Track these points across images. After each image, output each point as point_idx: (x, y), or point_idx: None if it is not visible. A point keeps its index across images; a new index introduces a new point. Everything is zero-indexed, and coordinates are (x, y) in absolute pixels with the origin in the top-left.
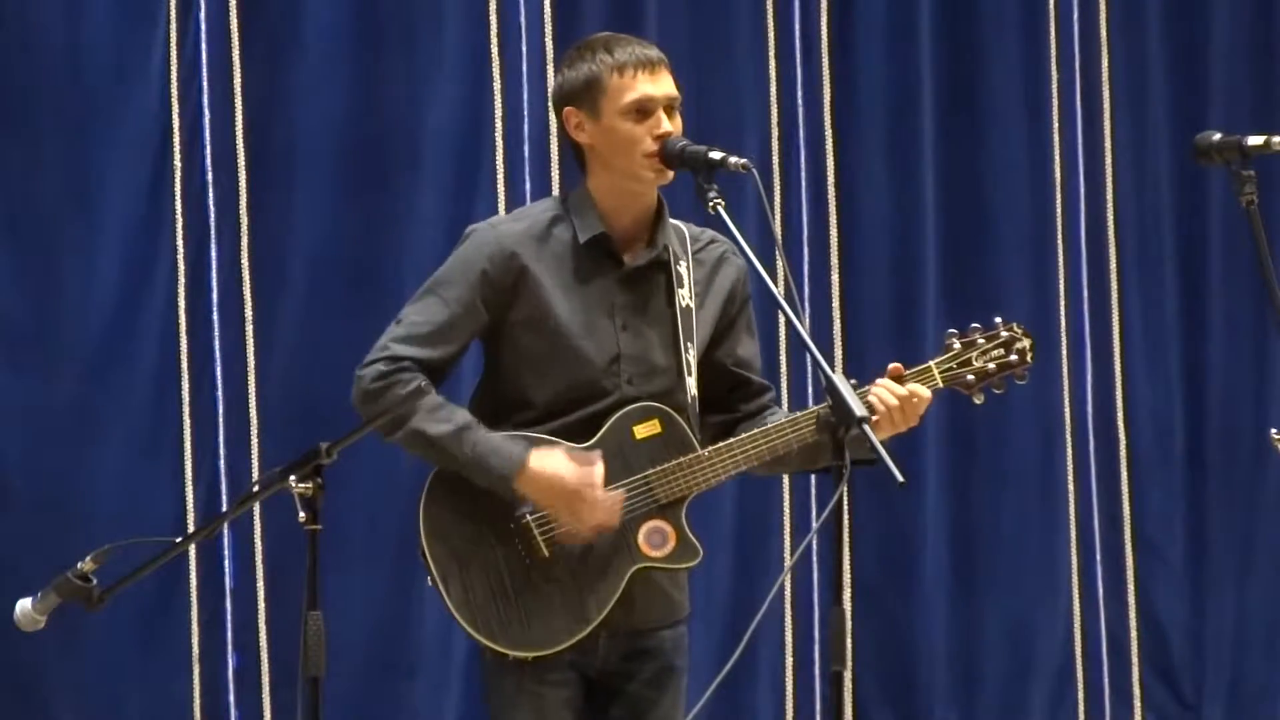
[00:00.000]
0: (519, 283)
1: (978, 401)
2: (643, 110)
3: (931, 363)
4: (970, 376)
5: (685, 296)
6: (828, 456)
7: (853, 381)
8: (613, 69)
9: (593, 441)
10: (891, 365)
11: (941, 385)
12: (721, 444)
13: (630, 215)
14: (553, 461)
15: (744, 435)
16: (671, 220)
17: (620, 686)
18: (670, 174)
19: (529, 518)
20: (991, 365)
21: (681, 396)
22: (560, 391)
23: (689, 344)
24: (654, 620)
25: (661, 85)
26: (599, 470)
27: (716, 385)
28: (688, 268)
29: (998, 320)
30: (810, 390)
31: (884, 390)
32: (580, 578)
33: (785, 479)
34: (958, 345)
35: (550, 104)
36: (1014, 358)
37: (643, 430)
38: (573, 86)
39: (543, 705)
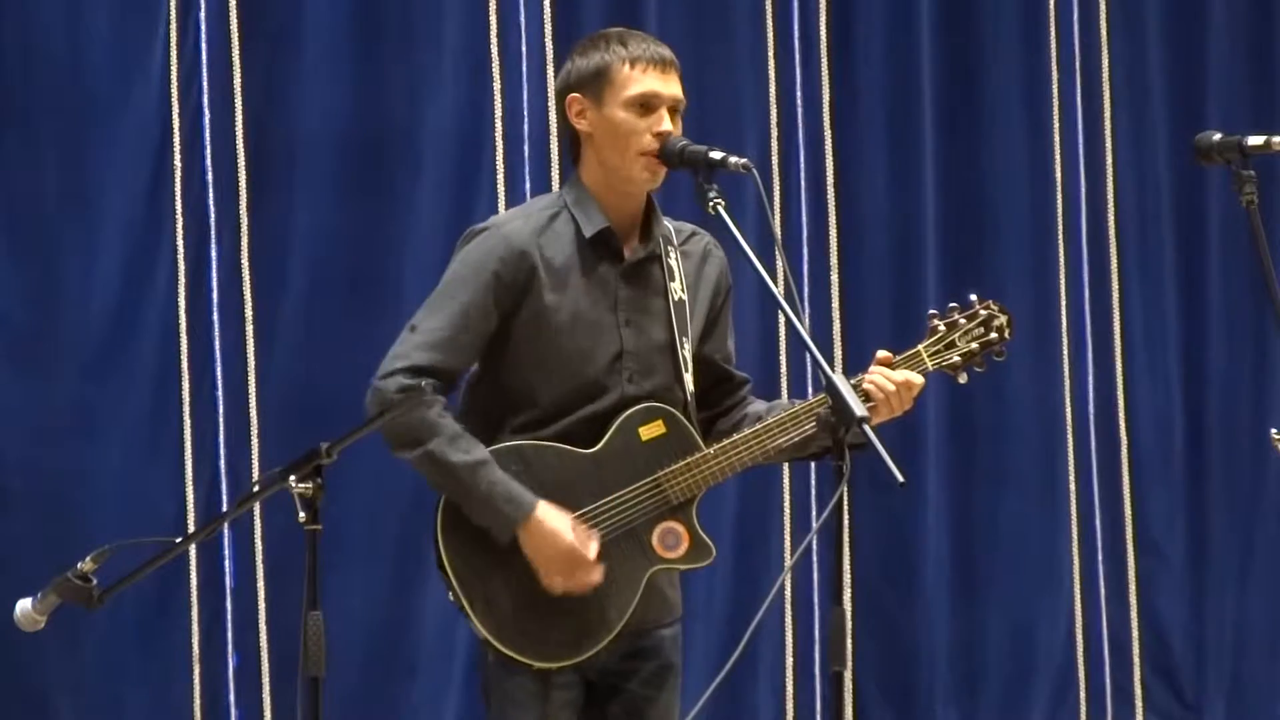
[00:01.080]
0: (529, 282)
1: (961, 381)
2: (647, 105)
3: (920, 347)
4: (956, 358)
5: (678, 290)
6: (819, 442)
7: (853, 382)
8: (624, 60)
9: (599, 446)
10: (881, 353)
11: (931, 369)
12: (726, 441)
13: (625, 210)
14: (560, 522)
15: (748, 431)
16: None
17: (620, 685)
18: (661, 175)
19: None
20: (974, 345)
21: (680, 392)
22: (565, 390)
23: (684, 339)
24: (652, 620)
25: (670, 86)
26: (594, 547)
27: (704, 380)
28: (677, 260)
29: (973, 298)
30: (810, 390)
31: (879, 377)
32: (599, 585)
33: (785, 479)
34: (942, 327)
35: (555, 92)
36: (994, 335)
37: (648, 431)
38: (581, 74)
39: (544, 707)
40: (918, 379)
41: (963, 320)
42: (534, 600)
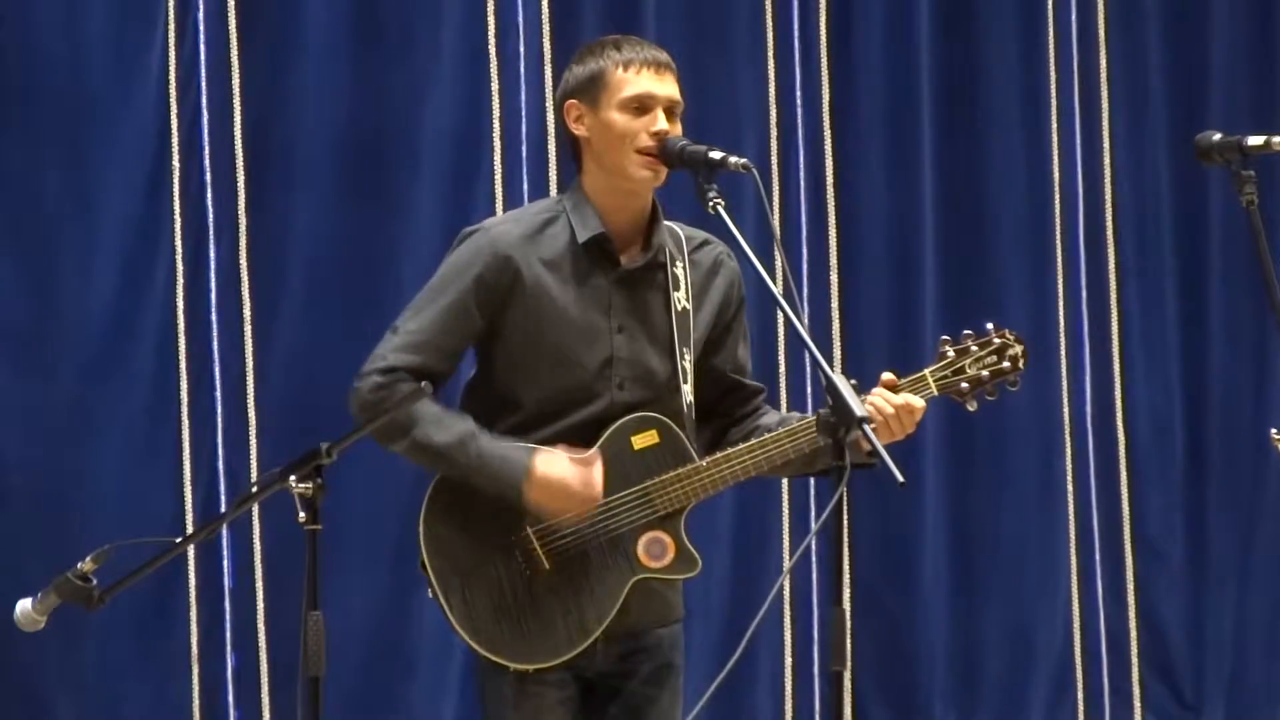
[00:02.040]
0: (514, 285)
1: (971, 409)
2: (642, 106)
3: (926, 371)
4: (964, 384)
5: (681, 299)
6: (824, 460)
7: (853, 382)
8: (619, 64)
9: (590, 453)
10: (885, 375)
11: (936, 393)
12: (719, 454)
13: (626, 215)
14: (558, 466)
15: (742, 445)
16: (666, 222)
17: (619, 686)
18: (663, 174)
19: (530, 530)
20: (985, 373)
21: (676, 404)
22: (551, 393)
23: (685, 349)
24: (650, 622)
25: (665, 87)
26: (598, 470)
27: (713, 391)
28: (684, 269)
29: (990, 326)
30: (810, 390)
31: (880, 399)
32: (581, 589)
33: (785, 480)
34: (951, 353)
35: (555, 100)
36: (1006, 364)
37: (641, 441)
38: (578, 79)
39: (539, 708)
40: (918, 402)
41: (975, 347)
42: (512, 602)
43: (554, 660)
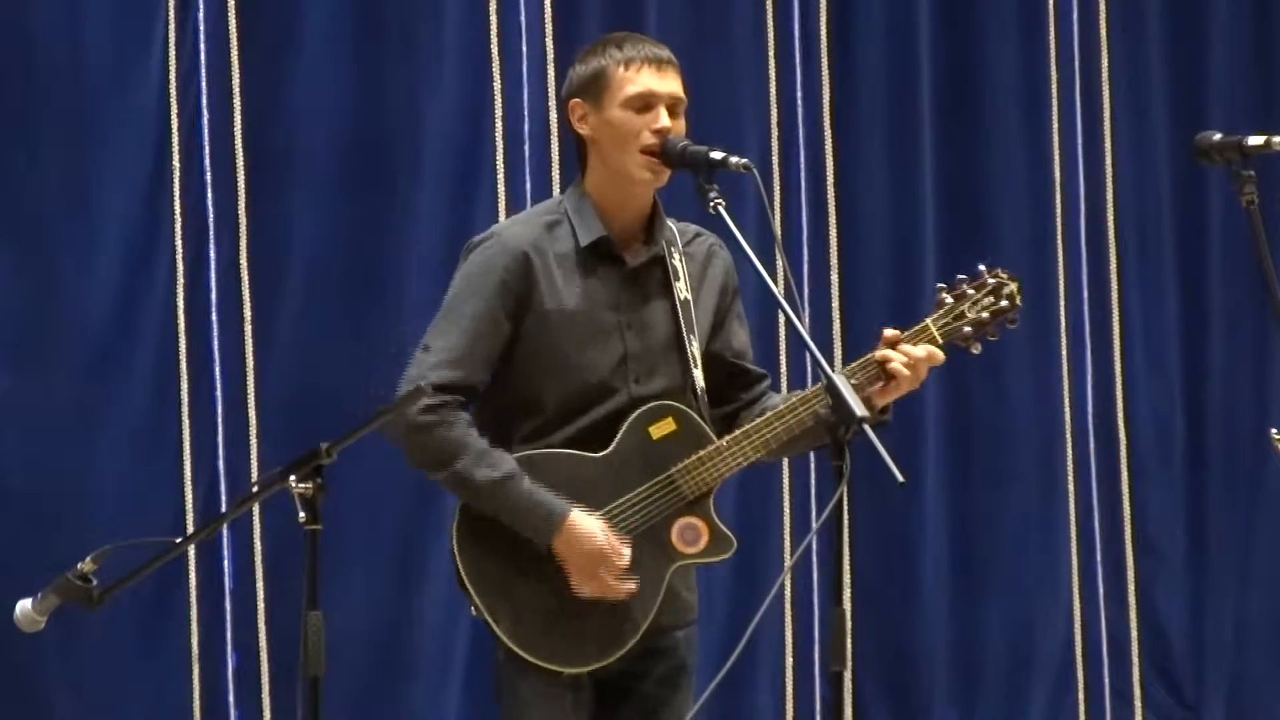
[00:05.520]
0: (531, 287)
1: (975, 351)
2: (645, 105)
3: (928, 320)
4: (967, 329)
5: (683, 290)
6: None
7: (853, 382)
8: (620, 62)
9: (610, 449)
10: (888, 331)
11: (941, 341)
12: (739, 431)
13: (628, 214)
14: (590, 524)
15: (759, 420)
16: None
17: (632, 686)
18: (666, 175)
19: None
20: (985, 314)
21: (690, 390)
22: (571, 394)
23: (691, 336)
24: (667, 622)
25: (666, 83)
26: (627, 552)
27: (717, 377)
28: (681, 262)
29: (982, 267)
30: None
31: (902, 354)
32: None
33: (785, 479)
34: (950, 299)
35: (559, 100)
36: (1005, 303)
37: (658, 430)
38: (580, 79)
39: (556, 706)
40: (940, 354)
41: (971, 290)
42: (558, 607)
43: (607, 659)
